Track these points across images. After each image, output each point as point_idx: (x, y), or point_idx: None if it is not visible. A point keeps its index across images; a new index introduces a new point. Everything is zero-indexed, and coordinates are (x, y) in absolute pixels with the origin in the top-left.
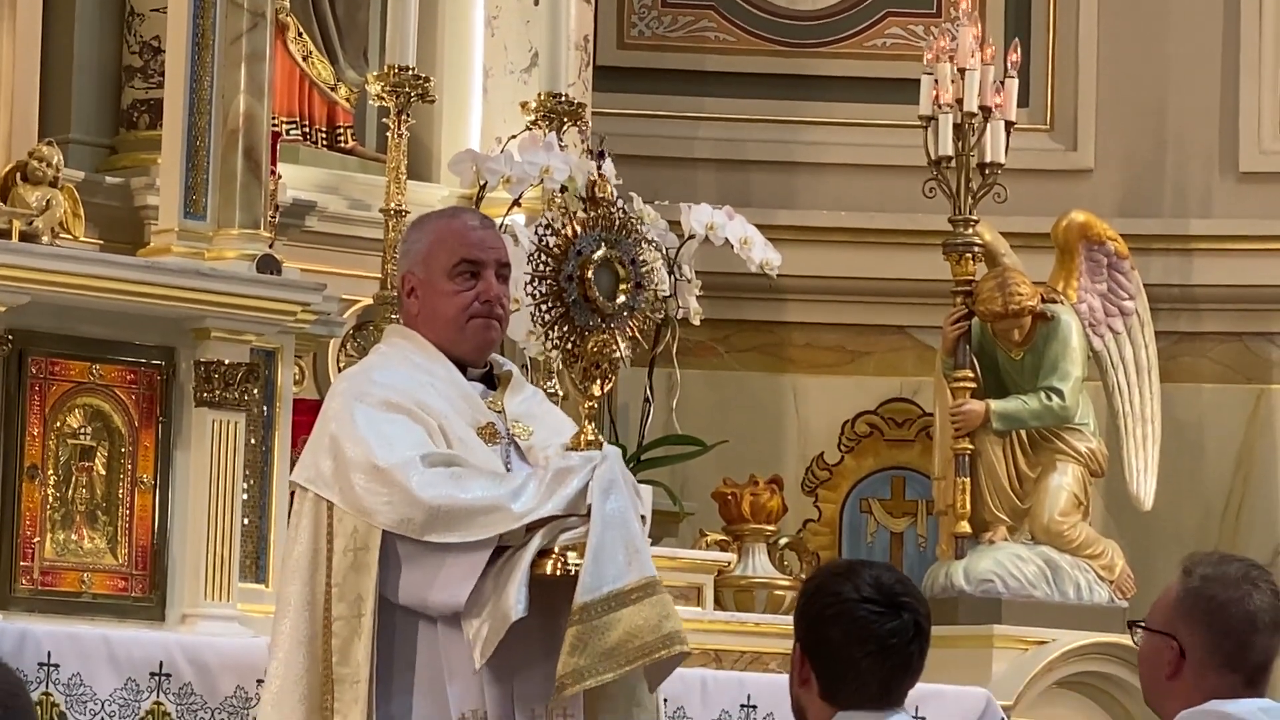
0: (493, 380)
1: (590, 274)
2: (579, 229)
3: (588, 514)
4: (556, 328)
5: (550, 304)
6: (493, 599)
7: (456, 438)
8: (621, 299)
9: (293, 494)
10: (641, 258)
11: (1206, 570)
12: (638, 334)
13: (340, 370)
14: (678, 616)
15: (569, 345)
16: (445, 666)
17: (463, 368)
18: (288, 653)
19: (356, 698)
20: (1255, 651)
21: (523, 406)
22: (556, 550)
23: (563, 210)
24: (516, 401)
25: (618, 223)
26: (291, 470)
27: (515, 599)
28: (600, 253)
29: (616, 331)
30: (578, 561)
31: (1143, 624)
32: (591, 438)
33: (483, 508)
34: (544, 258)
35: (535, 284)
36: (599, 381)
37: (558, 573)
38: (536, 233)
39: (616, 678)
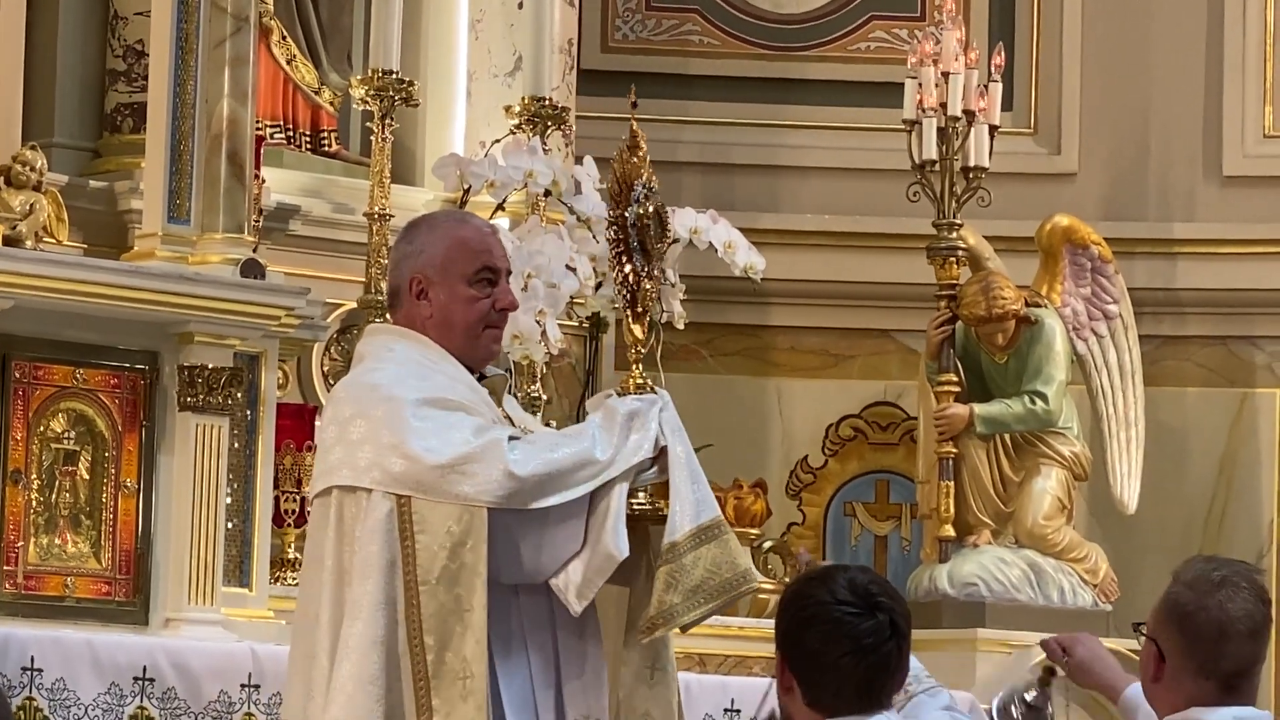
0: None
1: (649, 221)
2: (632, 176)
3: (656, 456)
4: (624, 271)
5: (618, 249)
6: (587, 543)
7: None
8: (663, 245)
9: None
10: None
11: (1188, 575)
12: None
13: (325, 374)
14: (744, 552)
15: (629, 290)
16: (497, 676)
17: None
18: (362, 654)
19: (467, 693)
20: (1228, 659)
21: (514, 410)
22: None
23: (623, 156)
24: (509, 405)
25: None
26: (277, 474)
27: (618, 539)
28: (651, 200)
29: (656, 277)
30: (645, 503)
31: (1143, 625)
32: (640, 381)
33: (574, 464)
34: (614, 203)
35: (607, 229)
36: (642, 325)
37: (630, 513)
38: (611, 176)
39: (704, 615)
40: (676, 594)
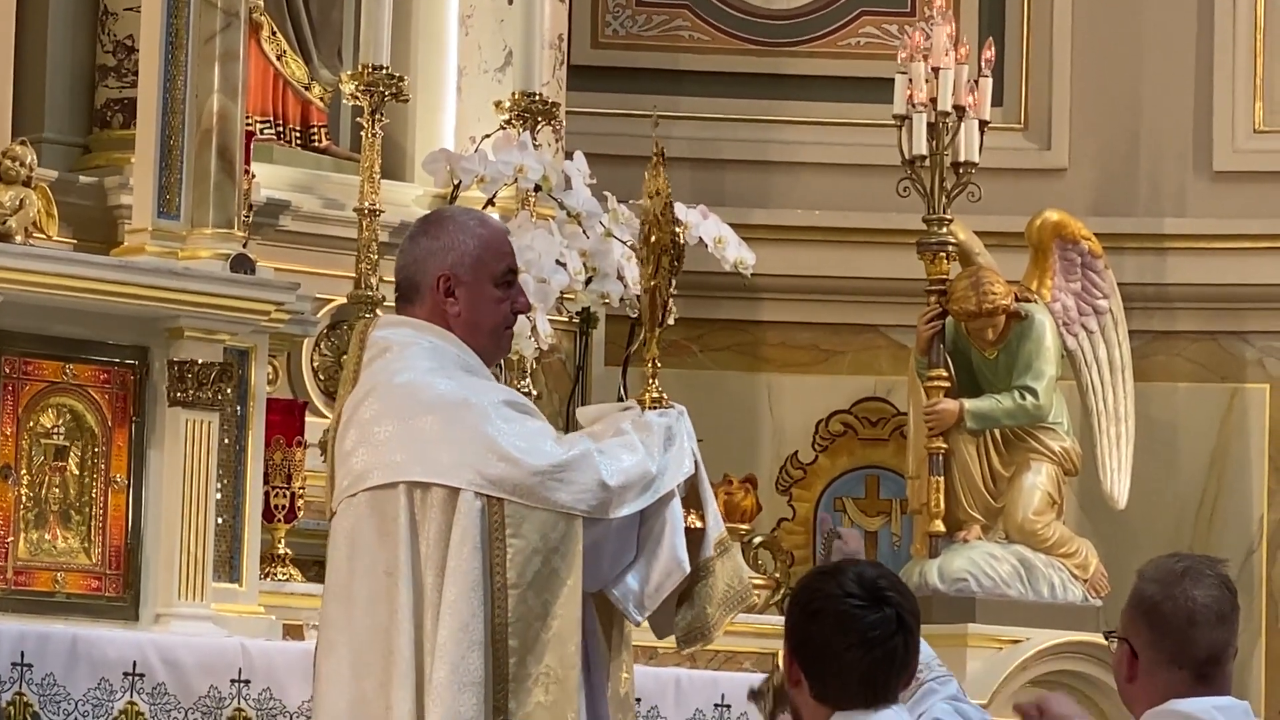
0: None
1: (680, 241)
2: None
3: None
4: (660, 283)
5: (659, 267)
6: (644, 555)
7: None
8: (680, 264)
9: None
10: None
11: (1150, 572)
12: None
13: (315, 369)
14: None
15: (660, 306)
16: None
17: None
18: (460, 655)
19: (551, 701)
20: (1197, 646)
21: None
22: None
23: (657, 174)
24: None
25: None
26: (267, 469)
27: (685, 553)
28: (679, 223)
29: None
30: None
31: (1114, 633)
32: (657, 395)
33: (639, 475)
34: (657, 218)
35: (647, 249)
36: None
37: None
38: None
39: (725, 625)
40: (711, 605)
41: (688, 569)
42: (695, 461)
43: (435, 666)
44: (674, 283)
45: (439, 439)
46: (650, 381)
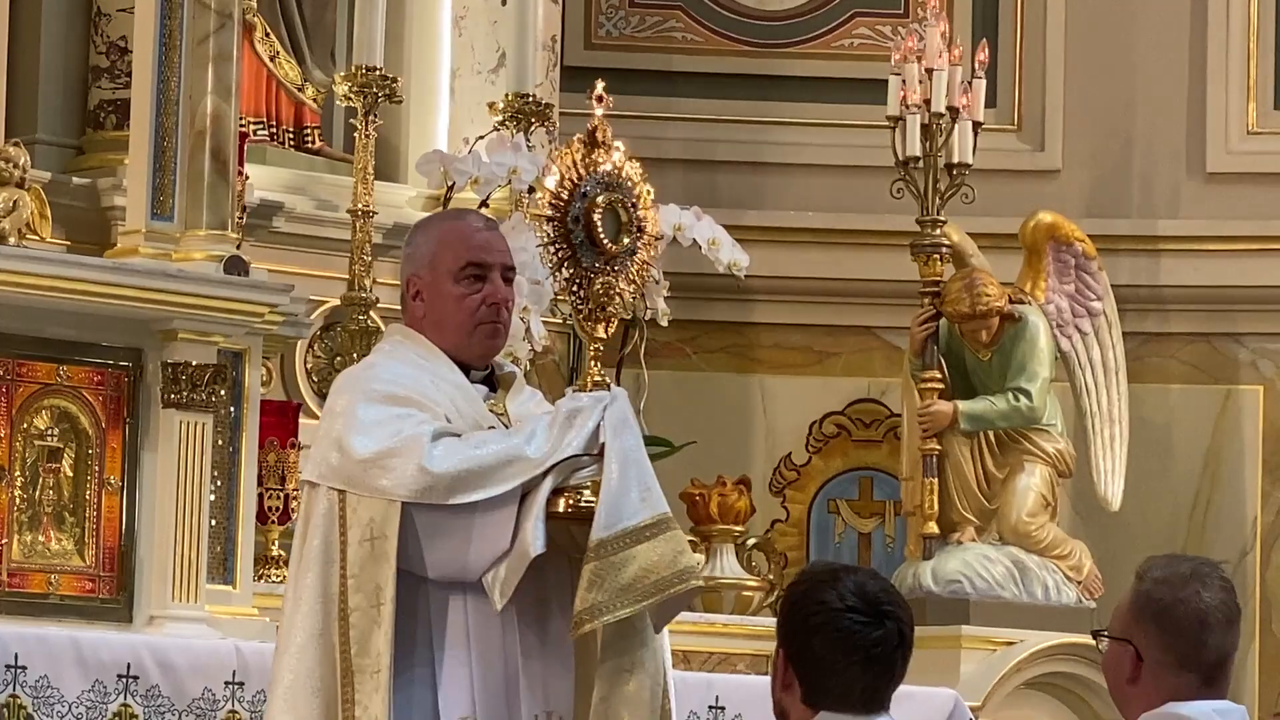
0: (492, 383)
1: (596, 216)
2: (584, 172)
3: (600, 453)
4: (564, 269)
5: (557, 246)
6: (515, 540)
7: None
8: (626, 241)
9: (298, 489)
10: (640, 202)
11: (1157, 573)
12: (638, 279)
13: (308, 371)
14: (691, 553)
15: (575, 287)
16: (437, 672)
17: (465, 370)
18: (301, 646)
19: (377, 687)
20: (1208, 650)
21: (523, 408)
22: (570, 488)
23: (568, 151)
24: (518, 403)
25: (617, 166)
26: (261, 471)
27: (533, 536)
28: (603, 196)
29: (620, 274)
30: (591, 500)
31: (1104, 632)
32: (598, 378)
33: (501, 460)
34: (552, 200)
35: (544, 225)
36: (603, 324)
37: (570, 510)
38: (546, 174)
39: (632, 613)
40: (602, 592)
41: (534, 552)
42: (602, 443)
43: (278, 658)
44: (610, 262)
45: (324, 435)
46: (591, 365)
